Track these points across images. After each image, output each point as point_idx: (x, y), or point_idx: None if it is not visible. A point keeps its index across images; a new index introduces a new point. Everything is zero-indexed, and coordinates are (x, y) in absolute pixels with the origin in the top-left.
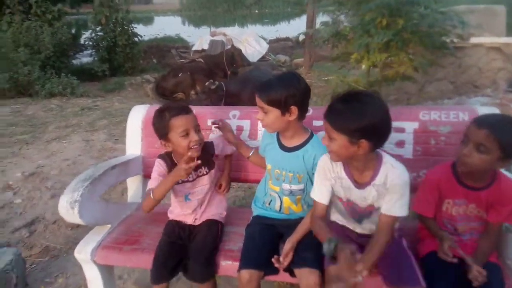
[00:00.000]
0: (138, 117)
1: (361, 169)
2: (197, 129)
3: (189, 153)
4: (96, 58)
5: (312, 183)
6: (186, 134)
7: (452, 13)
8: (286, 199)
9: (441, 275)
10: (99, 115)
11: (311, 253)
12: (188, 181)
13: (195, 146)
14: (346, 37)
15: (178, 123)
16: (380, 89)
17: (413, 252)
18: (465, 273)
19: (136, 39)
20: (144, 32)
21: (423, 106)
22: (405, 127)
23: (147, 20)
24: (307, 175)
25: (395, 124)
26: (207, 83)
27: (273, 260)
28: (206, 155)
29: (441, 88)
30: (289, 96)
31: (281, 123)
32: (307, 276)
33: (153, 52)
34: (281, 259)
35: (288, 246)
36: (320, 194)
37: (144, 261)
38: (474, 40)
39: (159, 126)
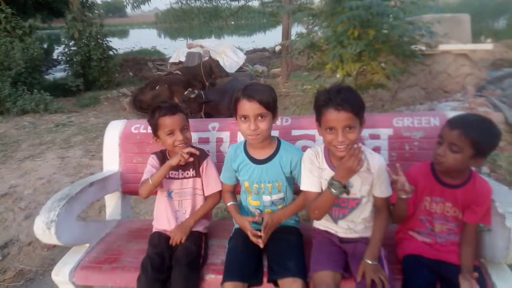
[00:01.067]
0: (115, 132)
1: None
2: (184, 129)
3: (184, 151)
4: (70, 73)
5: (291, 188)
6: (171, 133)
7: (420, 23)
8: (268, 211)
9: (419, 275)
10: (74, 131)
11: (293, 262)
12: (175, 178)
13: (180, 145)
14: (321, 48)
15: (165, 123)
16: None
17: (393, 255)
18: (440, 273)
19: (111, 52)
20: (120, 45)
21: (397, 113)
22: (380, 133)
23: (122, 33)
24: (285, 182)
25: (371, 131)
26: (186, 92)
27: (252, 238)
28: (194, 157)
29: (413, 94)
30: (275, 98)
31: (270, 128)
32: (290, 285)
33: (129, 65)
34: (262, 234)
35: (267, 217)
36: (310, 183)
37: (125, 279)
38: (442, 47)
39: (151, 123)
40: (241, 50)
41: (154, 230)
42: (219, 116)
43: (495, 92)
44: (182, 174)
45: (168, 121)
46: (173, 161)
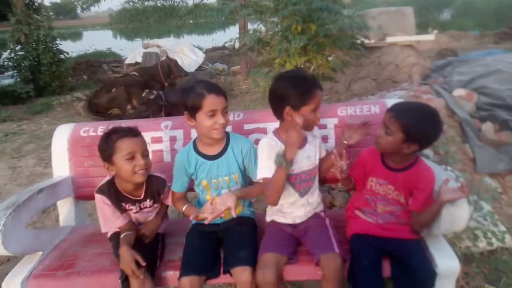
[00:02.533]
0: (63, 137)
1: None
2: (145, 154)
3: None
4: (18, 79)
5: (246, 181)
6: (132, 158)
7: (357, 18)
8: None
9: (364, 255)
10: (26, 140)
11: (243, 252)
12: (134, 212)
13: (140, 171)
14: (269, 43)
15: (124, 146)
16: None
17: (342, 234)
18: (387, 249)
19: (62, 56)
20: (73, 48)
21: (340, 103)
22: (327, 123)
23: (75, 36)
24: (240, 173)
25: None
26: (144, 94)
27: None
28: (152, 188)
29: (365, 85)
30: None
31: None
32: (240, 274)
33: (83, 69)
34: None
35: (225, 192)
36: (268, 170)
37: (81, 285)
38: (389, 39)
39: (104, 147)
40: (201, 48)
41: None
42: (181, 115)
43: (438, 80)
44: (139, 206)
45: (128, 144)
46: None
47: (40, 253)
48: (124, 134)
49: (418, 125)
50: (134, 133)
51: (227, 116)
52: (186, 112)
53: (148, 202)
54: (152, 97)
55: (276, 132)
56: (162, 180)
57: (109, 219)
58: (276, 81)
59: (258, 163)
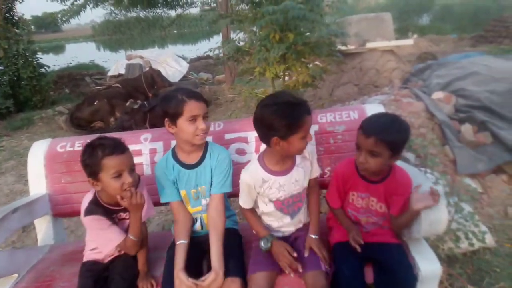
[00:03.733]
0: (39, 153)
1: (281, 162)
2: (132, 170)
3: (127, 200)
4: None
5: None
6: (119, 176)
7: (334, 26)
8: (206, 216)
9: (346, 261)
10: (6, 156)
11: (232, 263)
12: (127, 218)
13: (131, 189)
14: (249, 52)
15: (111, 164)
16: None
17: (325, 242)
18: (370, 255)
19: (43, 70)
20: (55, 61)
21: (320, 110)
22: None
23: (58, 49)
24: None
25: None
26: (128, 103)
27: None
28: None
29: (347, 91)
30: None
31: None
32: (229, 285)
33: (65, 82)
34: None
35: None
36: (246, 202)
37: None
38: (369, 45)
39: (89, 163)
40: (185, 58)
41: (84, 260)
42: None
43: (417, 83)
44: (116, 216)
45: (116, 161)
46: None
47: (16, 275)
48: (110, 151)
49: (400, 138)
50: (121, 149)
51: (208, 122)
52: (166, 119)
53: (124, 214)
54: (136, 106)
55: (261, 159)
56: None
57: (110, 233)
58: (261, 108)
59: (240, 192)
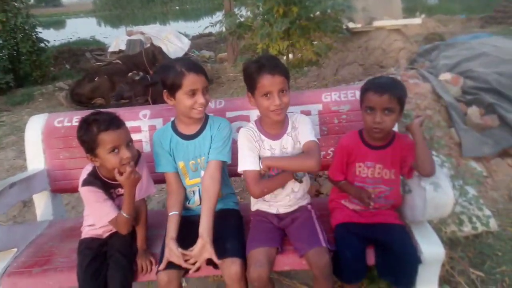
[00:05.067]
0: (37, 128)
1: (276, 127)
2: (129, 144)
3: (125, 176)
4: None
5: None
6: (116, 151)
7: None
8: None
9: (348, 243)
10: (6, 131)
11: (232, 243)
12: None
13: (127, 163)
14: (251, 27)
15: (107, 139)
16: (301, 76)
17: (326, 223)
18: (372, 235)
19: (42, 44)
20: (56, 36)
21: (325, 88)
22: (311, 109)
23: (59, 24)
24: None
25: (302, 107)
26: (130, 74)
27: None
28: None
29: (352, 71)
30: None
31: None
32: (229, 266)
33: (65, 58)
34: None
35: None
36: (251, 162)
37: (58, 281)
38: (376, 23)
39: (86, 139)
40: (187, 35)
41: (82, 237)
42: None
43: (424, 64)
44: (115, 192)
45: (112, 137)
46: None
47: (15, 249)
48: (106, 126)
49: (405, 93)
50: (116, 124)
51: (207, 96)
52: (165, 90)
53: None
54: (137, 78)
55: (258, 122)
56: (137, 152)
57: (105, 206)
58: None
59: (239, 153)
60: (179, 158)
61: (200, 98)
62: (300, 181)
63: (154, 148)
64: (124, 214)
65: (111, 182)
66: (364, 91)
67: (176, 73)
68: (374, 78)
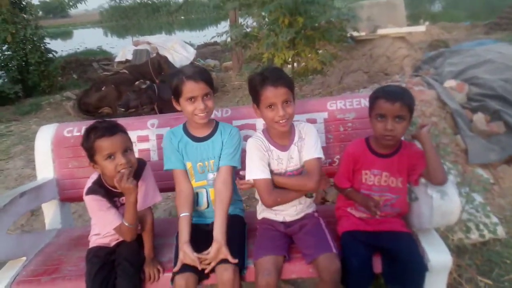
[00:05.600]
0: (47, 138)
1: (283, 137)
2: (126, 151)
3: (117, 182)
4: (6, 80)
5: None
6: (112, 158)
7: (345, 9)
8: (212, 190)
9: (355, 251)
10: (14, 141)
11: (232, 248)
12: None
13: (123, 170)
14: (257, 37)
15: (103, 145)
16: (305, 84)
17: (333, 231)
18: (378, 243)
19: (50, 55)
20: (63, 47)
21: (331, 97)
22: (317, 118)
23: (66, 35)
24: None
25: (307, 115)
26: (137, 83)
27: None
28: (136, 173)
29: (357, 78)
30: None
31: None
32: (221, 272)
33: (73, 68)
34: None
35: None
36: (261, 171)
37: None
38: (380, 31)
39: (86, 147)
40: (192, 45)
41: (90, 246)
42: (172, 111)
43: (429, 71)
44: (119, 201)
45: (106, 143)
46: (127, 197)
47: (24, 258)
48: (101, 133)
49: (414, 101)
50: (111, 131)
51: (210, 101)
52: (172, 96)
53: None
54: (144, 86)
55: (266, 132)
56: (141, 161)
57: (109, 214)
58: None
59: (248, 163)
60: (187, 159)
61: (199, 105)
62: (311, 197)
63: (164, 145)
64: (126, 223)
65: (115, 190)
66: (374, 99)
67: (178, 81)
68: (384, 86)
